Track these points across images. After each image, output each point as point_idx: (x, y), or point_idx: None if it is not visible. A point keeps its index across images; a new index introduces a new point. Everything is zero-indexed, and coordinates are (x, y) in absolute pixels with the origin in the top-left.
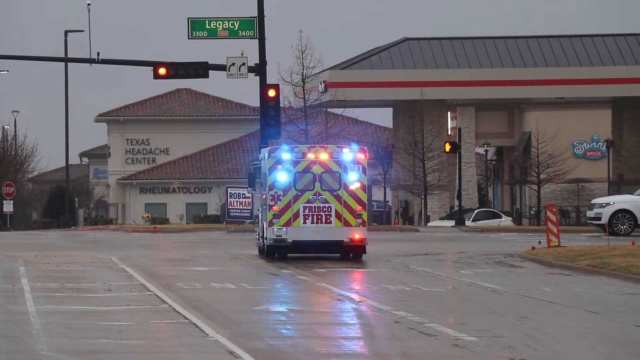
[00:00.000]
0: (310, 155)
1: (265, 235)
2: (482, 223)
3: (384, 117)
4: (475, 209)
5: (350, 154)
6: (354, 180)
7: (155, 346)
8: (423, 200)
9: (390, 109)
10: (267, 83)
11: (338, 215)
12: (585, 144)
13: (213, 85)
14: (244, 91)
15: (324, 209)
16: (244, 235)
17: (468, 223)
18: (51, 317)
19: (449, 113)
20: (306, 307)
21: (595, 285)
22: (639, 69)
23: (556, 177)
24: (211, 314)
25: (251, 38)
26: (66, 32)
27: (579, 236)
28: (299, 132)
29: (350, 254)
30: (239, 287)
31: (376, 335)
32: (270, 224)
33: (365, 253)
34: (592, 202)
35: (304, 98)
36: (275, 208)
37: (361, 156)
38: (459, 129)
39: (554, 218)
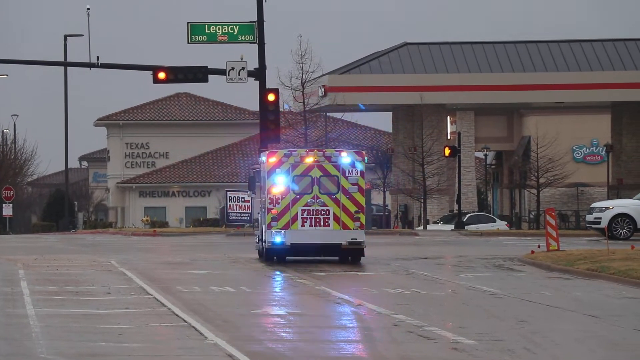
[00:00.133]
0: (309, 159)
1: (264, 239)
2: (473, 227)
3: (383, 122)
4: (467, 213)
5: (348, 157)
6: (352, 183)
7: (154, 349)
8: (422, 204)
9: (390, 113)
10: (267, 87)
11: (336, 219)
12: (584, 148)
13: (212, 89)
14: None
15: (322, 212)
16: (244, 239)
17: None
18: (50, 320)
19: (448, 117)
20: (305, 310)
21: (595, 289)
22: (638, 74)
23: (555, 182)
24: (210, 317)
25: (251, 42)
26: (66, 37)
27: (578, 240)
28: (298, 136)
29: (348, 256)
30: (238, 290)
31: (375, 339)
32: (269, 227)
33: (363, 256)
34: (591, 206)
35: (303, 102)
36: (273, 211)
37: (359, 159)
38: (459, 133)
39: (553, 222)
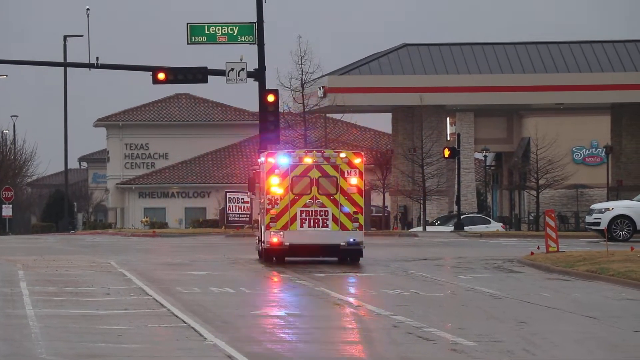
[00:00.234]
0: (307, 160)
1: (262, 239)
2: (466, 229)
3: (383, 123)
4: (461, 215)
5: (347, 158)
6: (350, 184)
7: (153, 350)
8: (422, 205)
9: (390, 115)
10: (266, 88)
11: (335, 219)
12: (584, 149)
13: (212, 90)
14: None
15: (321, 212)
16: (243, 240)
17: (450, 228)
18: (50, 320)
19: (448, 119)
20: (305, 311)
21: (594, 291)
22: (638, 75)
23: (555, 183)
24: (210, 318)
25: (250, 43)
26: (65, 37)
27: (577, 242)
28: (298, 137)
29: (347, 257)
30: (237, 291)
31: (374, 340)
32: (268, 227)
33: (362, 257)
34: (591, 208)
35: (303, 103)
36: (272, 212)
37: (358, 160)
38: (458, 135)
39: (552, 223)
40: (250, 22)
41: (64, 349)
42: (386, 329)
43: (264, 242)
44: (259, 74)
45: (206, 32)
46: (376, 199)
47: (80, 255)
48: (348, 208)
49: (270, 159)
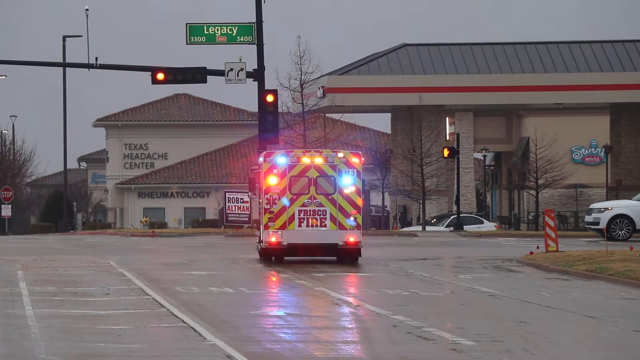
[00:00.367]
0: (306, 160)
1: (261, 239)
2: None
3: (382, 123)
4: (452, 214)
5: (345, 158)
6: (348, 184)
7: (153, 350)
8: (421, 205)
9: (389, 114)
10: (266, 88)
11: (333, 219)
12: (583, 149)
13: (211, 90)
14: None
15: (319, 212)
16: (242, 240)
17: (440, 228)
18: (49, 320)
19: (447, 118)
20: (304, 311)
21: (593, 290)
22: (637, 75)
23: (554, 183)
24: (209, 318)
25: (249, 44)
26: (64, 37)
27: (577, 241)
28: (297, 137)
29: (345, 257)
30: (237, 291)
31: (374, 339)
32: (266, 227)
33: (360, 256)
34: (590, 207)
35: (302, 103)
36: (270, 211)
37: (356, 160)
38: (457, 135)
39: (552, 223)
40: (249, 23)
41: (64, 349)
42: (386, 328)
43: (262, 242)
44: (258, 74)
45: (205, 32)
46: (375, 199)
47: (79, 255)
48: (346, 208)
49: (269, 159)
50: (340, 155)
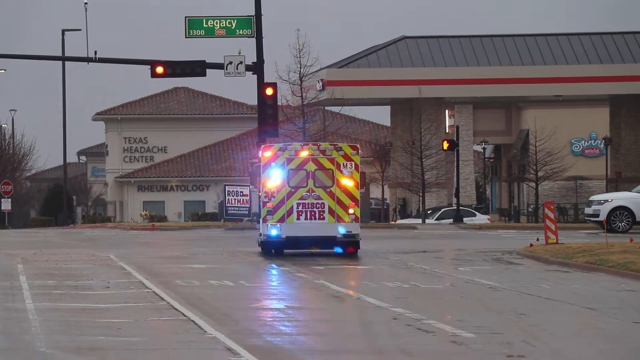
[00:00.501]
0: (304, 153)
1: (260, 232)
2: (445, 222)
3: (381, 115)
4: (441, 208)
5: (343, 151)
6: (346, 177)
7: (153, 343)
8: (421, 198)
9: (388, 107)
10: (265, 81)
11: (331, 212)
12: (583, 141)
13: (210, 83)
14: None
15: (317, 205)
16: (242, 233)
17: (430, 221)
18: (49, 314)
19: (446, 111)
20: (304, 304)
21: (593, 282)
22: (637, 67)
23: (554, 175)
24: (209, 311)
25: (248, 37)
26: (63, 31)
27: (577, 233)
28: (296, 130)
29: (343, 249)
30: (237, 284)
31: (374, 332)
32: (265, 220)
33: (358, 248)
34: (590, 199)
35: (301, 96)
36: (269, 205)
37: (354, 153)
38: (457, 127)
39: (551, 215)
40: (248, 16)
41: (64, 342)
42: (386, 321)
43: (261, 235)
44: (257, 67)
45: (204, 25)
46: (375, 192)
47: (79, 249)
48: (344, 200)
49: (267, 152)
50: (339, 148)
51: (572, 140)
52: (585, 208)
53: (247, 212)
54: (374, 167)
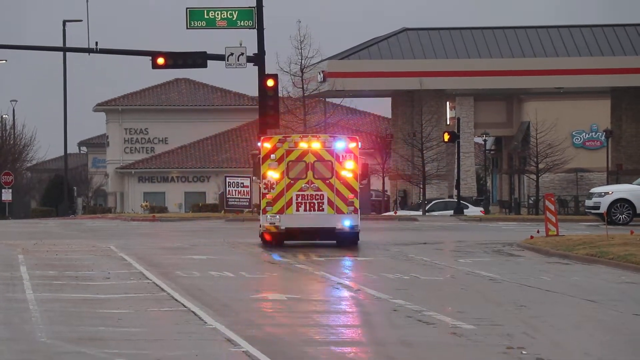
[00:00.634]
0: (303, 145)
1: (260, 223)
2: (436, 214)
3: (382, 107)
4: (432, 200)
5: (342, 142)
6: (346, 168)
7: (153, 334)
8: (422, 189)
9: (389, 99)
10: (266, 73)
11: (330, 203)
12: (584, 133)
13: (211, 75)
14: (243, 81)
15: (317, 196)
16: (243, 224)
17: (419, 213)
18: (50, 304)
19: (447, 103)
20: (304, 295)
21: (594, 274)
22: (638, 59)
23: (555, 167)
24: (209, 302)
25: (250, 28)
26: (64, 22)
27: (577, 225)
28: (297, 121)
29: (344, 240)
30: (237, 275)
31: (374, 323)
32: (264, 211)
33: (358, 240)
34: (590, 192)
35: (302, 88)
36: (268, 196)
37: (353, 145)
38: (458, 119)
39: (552, 207)
40: (249, 7)
41: (64, 332)
42: (386, 312)
43: (261, 226)
44: (258, 59)
45: (205, 16)
46: (376, 184)
47: (80, 240)
48: (343, 192)
49: (266, 144)
50: (338, 139)
51: (573, 133)
52: (586, 200)
53: (247, 203)
54: (374, 159)
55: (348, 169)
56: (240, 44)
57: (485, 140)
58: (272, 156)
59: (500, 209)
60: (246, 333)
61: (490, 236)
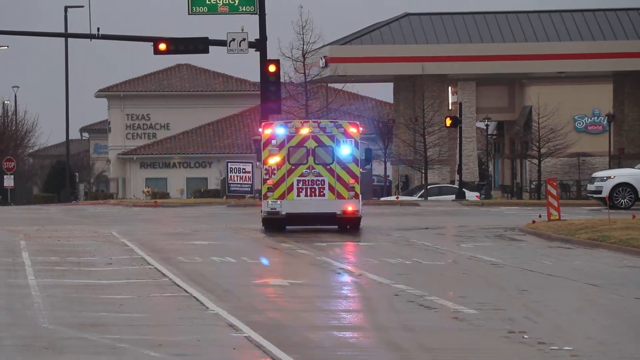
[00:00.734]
0: (304, 130)
1: (261, 209)
2: (433, 199)
3: (384, 92)
4: (429, 185)
5: (343, 128)
6: (346, 154)
7: (155, 319)
8: (424, 174)
9: (391, 84)
10: (268, 58)
11: (331, 188)
12: (586, 118)
13: (213, 60)
14: (245, 66)
15: (318, 182)
16: (244, 210)
17: (414, 198)
18: (52, 290)
19: (449, 88)
20: (306, 280)
21: (595, 259)
22: None
23: (557, 152)
24: (211, 287)
25: (251, 13)
26: (66, 8)
27: (579, 210)
28: (299, 107)
29: (345, 225)
30: (239, 260)
31: (376, 308)
32: (265, 197)
33: (359, 225)
34: (592, 176)
35: (304, 73)
36: (269, 182)
37: (354, 130)
38: (460, 104)
39: (554, 192)
40: None
41: (66, 318)
42: (387, 297)
43: (262, 212)
44: (260, 44)
45: (207, 2)
46: (378, 169)
47: (82, 226)
48: (344, 177)
49: (267, 130)
50: (338, 125)
51: (575, 117)
52: (588, 185)
53: (249, 189)
54: (376, 144)
55: (349, 154)
56: (242, 30)
57: (487, 125)
58: (273, 142)
59: (502, 194)
60: (248, 318)
61: (492, 221)
